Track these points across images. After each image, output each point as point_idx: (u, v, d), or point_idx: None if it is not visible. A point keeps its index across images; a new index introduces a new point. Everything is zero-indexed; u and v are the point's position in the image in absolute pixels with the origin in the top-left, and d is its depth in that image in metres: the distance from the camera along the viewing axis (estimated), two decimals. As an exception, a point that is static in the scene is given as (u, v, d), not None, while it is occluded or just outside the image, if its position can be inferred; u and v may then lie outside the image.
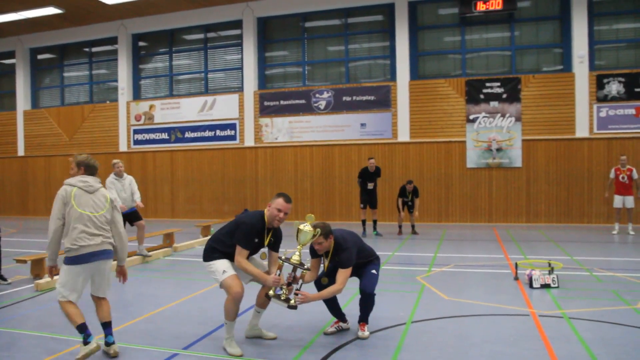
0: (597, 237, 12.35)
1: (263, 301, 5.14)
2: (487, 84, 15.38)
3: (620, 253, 10.44)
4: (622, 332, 5.26)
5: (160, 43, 18.82)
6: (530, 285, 7.08)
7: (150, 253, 9.76)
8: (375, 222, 13.24)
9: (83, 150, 18.25)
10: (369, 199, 12.91)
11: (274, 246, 5.05)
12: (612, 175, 12.62)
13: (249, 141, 17.34)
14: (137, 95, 18.89)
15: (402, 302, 6.46)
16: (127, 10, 17.46)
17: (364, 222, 13.10)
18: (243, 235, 4.79)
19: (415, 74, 16.18)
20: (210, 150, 17.70)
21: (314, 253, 5.21)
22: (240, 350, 4.75)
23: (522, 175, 15.14)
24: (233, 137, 17.51)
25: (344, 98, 16.53)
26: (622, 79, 14.40)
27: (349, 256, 4.98)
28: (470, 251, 10.55)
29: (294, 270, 4.80)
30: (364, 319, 5.23)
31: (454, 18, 15.99)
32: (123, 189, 9.34)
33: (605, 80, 14.50)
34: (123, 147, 18.64)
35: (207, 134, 17.69)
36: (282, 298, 4.72)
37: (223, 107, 17.56)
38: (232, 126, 17.51)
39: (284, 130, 17.11)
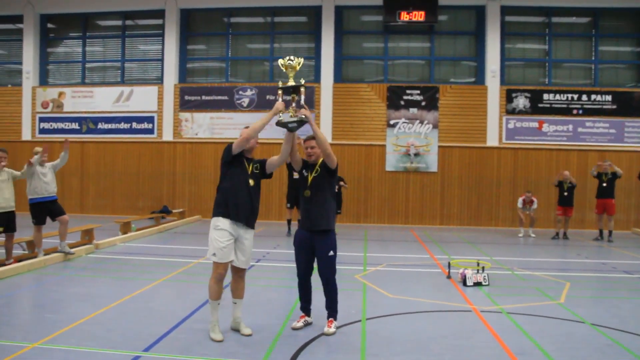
0: (507, 239, 13.32)
1: (236, 290, 5.24)
2: (408, 91, 16.05)
3: (531, 253, 11.31)
4: (556, 324, 5.75)
5: (72, 27, 17.64)
6: (464, 283, 7.50)
7: (73, 250, 9.13)
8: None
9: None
10: (295, 199, 12.94)
11: (263, 167, 5.33)
12: (519, 205, 13.63)
13: (168, 135, 16.74)
14: (44, 80, 17.54)
15: (350, 300, 6.57)
16: (35, -13, 16.21)
17: (289, 221, 13.13)
18: (228, 147, 5.21)
19: (339, 77, 16.50)
20: (125, 143, 16.85)
21: (304, 165, 5.45)
22: (221, 336, 4.90)
23: (437, 180, 15.95)
24: (150, 131, 16.81)
25: (268, 97, 16.46)
26: (528, 95, 15.67)
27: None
28: (397, 251, 10.95)
29: (293, 91, 5.10)
30: (332, 313, 5.34)
31: (379, 25, 16.53)
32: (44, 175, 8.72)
33: (513, 95, 15.70)
34: (27, 135, 17.20)
35: (123, 126, 16.84)
36: (292, 117, 5.02)
37: (141, 99, 16.81)
38: (150, 119, 16.81)
39: (205, 126, 16.71)
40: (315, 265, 5.42)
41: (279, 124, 5.06)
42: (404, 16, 15.69)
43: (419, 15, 15.64)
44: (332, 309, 5.39)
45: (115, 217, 14.85)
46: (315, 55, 16.62)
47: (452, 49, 16.51)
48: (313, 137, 5.31)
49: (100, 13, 17.27)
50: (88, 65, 17.51)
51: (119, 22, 17.33)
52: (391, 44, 16.56)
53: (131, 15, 17.26)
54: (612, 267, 9.55)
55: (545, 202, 14.77)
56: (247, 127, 5.22)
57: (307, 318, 5.50)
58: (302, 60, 5.21)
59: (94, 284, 7.32)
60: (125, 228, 12.18)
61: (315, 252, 5.34)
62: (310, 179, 5.35)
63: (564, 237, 13.30)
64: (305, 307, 5.54)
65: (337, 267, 5.44)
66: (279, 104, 5.06)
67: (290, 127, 5.06)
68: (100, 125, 16.91)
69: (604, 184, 13.03)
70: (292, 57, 5.14)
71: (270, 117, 5.13)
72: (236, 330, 5.23)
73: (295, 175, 12.92)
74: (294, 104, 5.11)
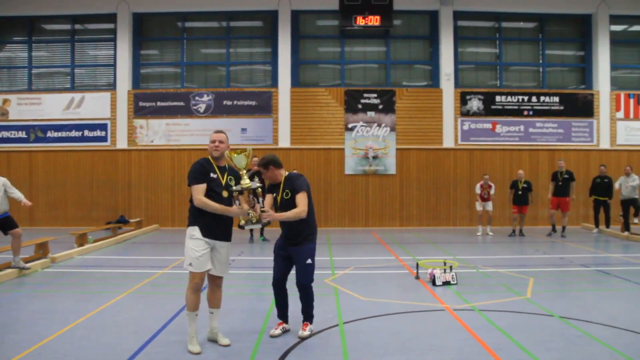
0: (466, 238, 13.63)
1: (212, 300, 5.15)
2: (365, 95, 16.23)
3: (492, 251, 11.64)
4: (527, 318, 5.93)
5: (17, 30, 16.88)
6: (433, 283, 7.62)
7: (28, 265, 8.71)
8: (263, 227, 13.15)
9: None
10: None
11: (237, 181, 5.07)
12: (477, 190, 13.97)
13: (122, 143, 16.26)
14: (-14, 87, 16.75)
15: (324, 304, 6.54)
16: (-25, -10, 15.47)
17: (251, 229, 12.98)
18: (193, 174, 4.91)
19: (297, 81, 16.49)
20: (77, 152, 16.23)
21: (269, 189, 5.37)
22: (200, 348, 4.81)
23: (396, 182, 16.17)
24: (104, 139, 16.28)
25: (225, 102, 16.28)
26: (482, 97, 16.14)
27: (300, 182, 5.21)
28: (362, 254, 11.01)
29: (249, 193, 4.85)
30: (307, 317, 5.34)
31: (335, 30, 16.64)
32: None
33: (467, 97, 16.13)
34: (-32, 145, 16.35)
35: (74, 134, 16.23)
36: (254, 221, 4.86)
37: (92, 106, 16.25)
38: (103, 127, 16.28)
39: (161, 132, 16.34)
40: (293, 272, 5.38)
41: (242, 228, 4.96)
42: (360, 20, 15.87)
43: (374, 20, 15.85)
44: (307, 314, 5.39)
45: (68, 229, 14.26)
46: (272, 60, 16.55)
47: (407, 52, 16.81)
48: (262, 164, 5.24)
49: (47, 16, 16.61)
50: (35, 71, 16.80)
51: (67, 27, 16.71)
52: (347, 48, 16.71)
53: (81, 20, 16.69)
54: (570, 261, 9.93)
55: (500, 200, 15.22)
56: (220, 132, 5.06)
57: (284, 325, 5.45)
58: (249, 153, 4.87)
59: (55, 299, 6.99)
60: (82, 240, 11.71)
61: (293, 261, 5.31)
62: (279, 200, 5.29)
63: (520, 234, 13.74)
64: (282, 314, 5.49)
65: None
66: (235, 211, 4.85)
67: (253, 227, 4.98)
68: (49, 134, 16.24)
69: (560, 183, 13.54)
70: (237, 150, 4.84)
71: (228, 214, 4.90)
72: (213, 340, 5.12)
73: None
74: (252, 208, 4.87)
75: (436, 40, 16.36)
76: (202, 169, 4.91)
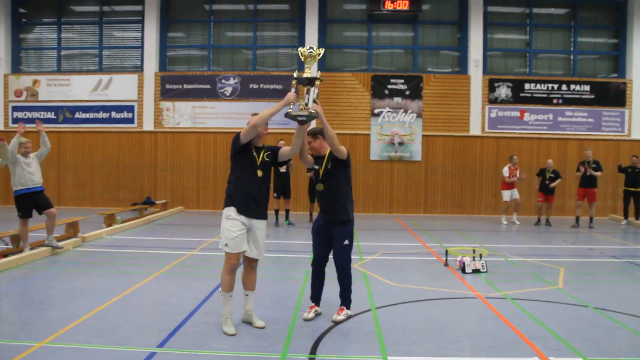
0: (492, 226, 13.51)
1: (247, 282, 5.18)
2: (392, 80, 16.06)
3: (519, 240, 11.53)
4: (561, 308, 5.88)
5: (46, 12, 17.01)
6: (463, 271, 7.59)
7: (61, 244, 8.87)
8: (287, 211, 13.24)
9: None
10: (282, 188, 12.87)
11: (275, 155, 5.20)
12: (505, 173, 13.81)
13: (148, 125, 16.39)
14: (17, 68, 16.92)
15: (354, 289, 6.52)
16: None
17: (276, 211, 13.06)
18: (237, 136, 4.98)
19: (323, 66, 16.37)
20: (104, 133, 16.42)
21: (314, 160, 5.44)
22: (235, 329, 4.87)
23: (421, 169, 16.05)
24: (131, 120, 16.43)
25: (251, 85, 16.27)
26: (510, 84, 15.86)
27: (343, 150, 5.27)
28: (389, 240, 10.98)
29: (308, 83, 4.94)
30: (344, 301, 5.38)
31: (363, 14, 16.46)
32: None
33: (496, 84, 15.87)
34: (-1, 125, 16.64)
35: (102, 115, 16.40)
36: (301, 110, 4.87)
37: (120, 88, 16.37)
38: (130, 108, 16.41)
39: (187, 115, 16.42)
40: (331, 256, 5.43)
41: (288, 115, 4.94)
42: (388, 5, 15.66)
43: (403, 4, 15.63)
44: (344, 298, 5.42)
45: (94, 209, 14.53)
46: (298, 44, 16.43)
47: (435, 38, 16.57)
48: (312, 133, 5.34)
49: (76, -2, 16.75)
50: (64, 52, 16.97)
51: (95, 8, 16.79)
52: (375, 33, 16.52)
53: (108, 1, 16.75)
54: (600, 252, 9.79)
55: (526, 189, 15.02)
56: (255, 114, 5.10)
57: (317, 308, 5.49)
58: (322, 50, 5.06)
59: (89, 278, 7.12)
60: (110, 220, 11.91)
61: (331, 241, 5.33)
62: (321, 172, 5.35)
63: (547, 224, 13.57)
64: (316, 297, 5.53)
65: (331, 256, 5.44)
66: (291, 95, 4.93)
67: (300, 120, 4.94)
68: (77, 115, 16.43)
69: (588, 174, 13.30)
70: (312, 47, 4.99)
71: (281, 107, 4.96)
72: (248, 322, 5.17)
73: (282, 169, 12.88)
74: (306, 98, 4.98)
75: (465, 26, 16.08)
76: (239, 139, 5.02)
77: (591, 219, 13.46)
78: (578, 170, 13.52)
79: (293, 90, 4.95)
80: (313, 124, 4.76)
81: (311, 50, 4.95)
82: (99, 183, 16.53)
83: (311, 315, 5.39)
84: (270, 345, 4.62)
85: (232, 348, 4.55)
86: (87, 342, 4.59)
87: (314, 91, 4.96)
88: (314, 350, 4.51)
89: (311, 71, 5.00)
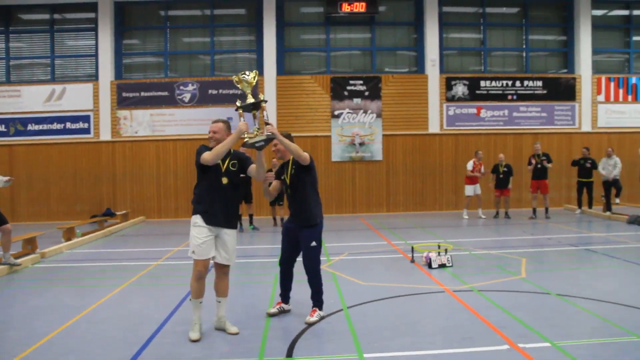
0: (454, 221, 13.80)
1: (219, 288, 5.16)
2: (351, 82, 16.21)
3: (481, 234, 11.82)
4: (526, 297, 6.08)
5: (-7, 22, 16.47)
6: (429, 266, 7.73)
7: (18, 261, 8.56)
8: (251, 216, 13.19)
9: None
10: (243, 193, 12.78)
11: (243, 166, 5.15)
12: (469, 167, 14.13)
13: (105, 135, 16.01)
14: (-37, 80, 16.30)
15: (325, 290, 6.57)
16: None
17: (239, 217, 12.97)
18: (198, 152, 4.96)
19: (282, 69, 16.39)
20: (59, 145, 15.92)
21: (276, 174, 5.57)
22: (199, 335, 4.91)
23: (382, 168, 16.25)
24: (87, 130, 16.01)
25: (210, 91, 16.12)
26: (466, 82, 16.26)
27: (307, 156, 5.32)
28: (354, 240, 11.08)
29: (253, 108, 4.97)
30: (316, 303, 5.45)
31: (320, 17, 16.56)
32: None
33: (452, 83, 16.23)
34: (-56, 140, 15.92)
35: (56, 126, 15.93)
36: (256, 135, 4.88)
37: (74, 97, 15.93)
38: (86, 118, 16.00)
39: (145, 123, 16.13)
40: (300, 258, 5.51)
41: (246, 145, 4.93)
42: (345, 7, 15.78)
43: (360, 6, 15.79)
44: (316, 299, 5.48)
45: (52, 224, 14.05)
46: (257, 48, 16.41)
47: (392, 39, 16.82)
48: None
49: (24, 6, 16.16)
50: (13, 62, 16.38)
51: (46, 16, 16.29)
52: (333, 35, 16.65)
53: (60, 9, 16.29)
54: (558, 241, 10.14)
55: (485, 184, 15.41)
56: (216, 122, 5.09)
57: (283, 305, 5.65)
58: (256, 74, 5.08)
59: (51, 295, 6.90)
60: (69, 234, 11.56)
61: (299, 244, 5.39)
62: (288, 180, 5.47)
63: (506, 217, 13.96)
64: (284, 295, 5.67)
65: (299, 258, 5.55)
66: (242, 124, 4.90)
67: (258, 147, 4.93)
68: (30, 127, 15.90)
69: (539, 166, 13.75)
70: (246, 72, 5.00)
71: (235, 139, 4.87)
72: (221, 329, 5.13)
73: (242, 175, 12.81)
74: (256, 123, 4.99)
75: (421, 26, 16.39)
76: (203, 149, 4.99)
77: (546, 210, 13.91)
78: (530, 163, 13.96)
79: (242, 119, 4.93)
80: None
81: (245, 75, 4.97)
82: (55, 197, 16.03)
83: (274, 310, 5.57)
84: (246, 350, 4.61)
85: (208, 356, 4.51)
86: (57, 360, 4.46)
87: (264, 114, 4.98)
88: (290, 352, 4.52)
89: (252, 95, 4.99)
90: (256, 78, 5.01)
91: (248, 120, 5.03)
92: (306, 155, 5.27)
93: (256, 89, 4.97)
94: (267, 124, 4.92)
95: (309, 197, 5.42)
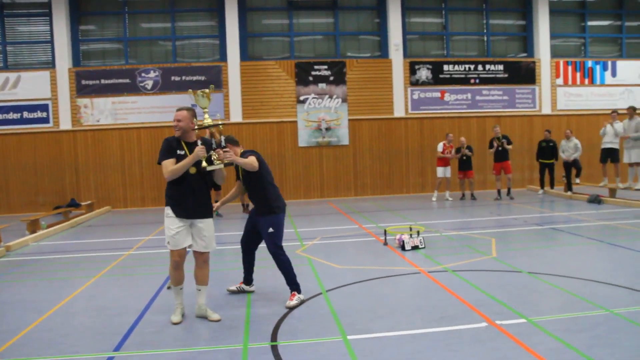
0: (422, 204, 14.04)
1: (199, 277, 5.19)
2: (315, 67, 16.19)
3: (449, 215, 12.09)
4: (499, 276, 6.27)
5: (-61, 7, 15.66)
6: (403, 248, 7.88)
7: (-17, 254, 8.30)
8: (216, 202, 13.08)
9: None
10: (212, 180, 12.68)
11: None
12: (439, 149, 14.35)
13: (66, 124, 15.54)
14: None
15: (301, 275, 6.55)
16: None
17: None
18: (161, 152, 4.97)
19: (246, 55, 16.21)
20: (16, 135, 15.37)
21: (236, 175, 5.81)
22: (180, 318, 5.04)
23: (349, 153, 16.35)
24: (45, 120, 15.50)
25: (173, 78, 15.82)
26: (430, 66, 16.46)
27: (251, 153, 5.49)
28: (325, 224, 11.14)
29: (211, 133, 5.08)
30: (292, 286, 5.57)
31: (282, 1, 16.42)
32: None
33: (416, 67, 16.41)
34: None
35: (12, 116, 15.35)
36: (215, 162, 4.91)
37: (30, 86, 15.36)
38: (44, 107, 15.47)
39: (107, 111, 15.73)
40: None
41: (206, 170, 4.96)
42: (308, -8, 15.73)
43: (322, -9, 15.75)
44: (292, 283, 5.61)
45: (13, 217, 13.64)
46: (219, 34, 16.16)
47: (356, 23, 16.85)
48: (227, 141, 5.40)
49: (-29, -9, 15.49)
50: (-37, 50, 15.70)
51: (-4, 2, 15.66)
52: (296, 20, 16.54)
53: (10, -7, 15.67)
54: (524, 220, 10.47)
55: (452, 167, 15.71)
56: (180, 110, 5.03)
57: (243, 285, 5.98)
58: (212, 88, 5.15)
59: (23, 289, 6.73)
60: (34, 226, 11.24)
61: (258, 230, 5.69)
62: (241, 173, 5.70)
63: (472, 198, 14.30)
64: (246, 276, 5.97)
65: None
66: (199, 150, 4.81)
67: (216, 167, 4.98)
68: (-16, 117, 15.31)
69: (500, 148, 14.11)
70: (202, 91, 4.95)
71: (192, 162, 4.85)
72: (203, 317, 5.13)
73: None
74: (214, 142, 5.05)
75: (384, 11, 16.46)
76: (169, 147, 4.98)
77: (509, 190, 14.33)
78: (491, 146, 14.30)
79: (200, 142, 4.89)
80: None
81: (202, 94, 4.94)
82: (15, 188, 15.50)
83: (233, 288, 5.98)
84: (230, 336, 4.63)
85: (192, 343, 4.50)
86: (36, 355, 4.36)
87: (222, 139, 4.99)
88: (274, 337, 4.56)
89: (209, 116, 5.05)
90: (209, 94, 4.98)
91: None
92: (256, 164, 5.35)
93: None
94: (223, 147, 4.95)
95: (263, 189, 5.61)
